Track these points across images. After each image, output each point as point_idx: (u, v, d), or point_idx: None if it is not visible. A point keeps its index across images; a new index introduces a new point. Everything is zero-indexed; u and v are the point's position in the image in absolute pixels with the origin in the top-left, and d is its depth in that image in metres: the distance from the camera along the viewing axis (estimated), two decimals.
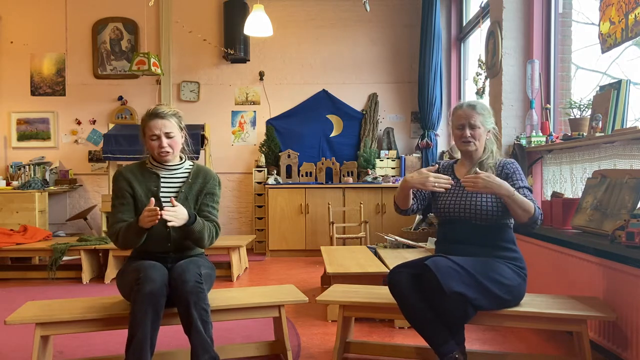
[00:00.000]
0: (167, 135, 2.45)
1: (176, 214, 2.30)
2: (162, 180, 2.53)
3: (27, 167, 6.49)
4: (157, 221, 2.27)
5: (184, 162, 2.60)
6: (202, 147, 5.88)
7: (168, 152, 2.47)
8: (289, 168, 6.55)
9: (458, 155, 2.70)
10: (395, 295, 2.38)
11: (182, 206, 2.36)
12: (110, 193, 5.93)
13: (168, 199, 2.42)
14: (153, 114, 2.45)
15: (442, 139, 6.49)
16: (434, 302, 2.25)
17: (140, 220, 2.31)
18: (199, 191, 2.54)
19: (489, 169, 2.46)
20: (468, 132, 2.47)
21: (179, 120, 2.51)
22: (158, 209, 2.26)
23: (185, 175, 2.58)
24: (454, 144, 2.61)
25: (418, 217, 5.46)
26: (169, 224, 2.28)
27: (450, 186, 2.36)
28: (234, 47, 6.50)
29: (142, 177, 2.52)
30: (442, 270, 2.18)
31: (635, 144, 2.68)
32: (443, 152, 6.42)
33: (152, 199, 2.35)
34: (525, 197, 2.34)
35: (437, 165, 2.52)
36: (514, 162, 2.52)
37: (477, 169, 2.35)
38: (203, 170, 2.61)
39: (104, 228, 5.88)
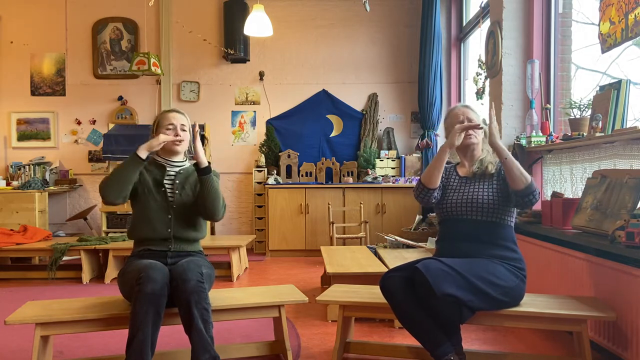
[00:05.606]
0: (181, 128, 2.66)
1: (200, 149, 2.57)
2: (167, 172, 2.66)
3: (27, 167, 6.49)
4: (183, 141, 2.64)
5: (185, 161, 2.74)
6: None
7: (181, 140, 2.65)
8: (289, 168, 6.55)
9: (456, 158, 2.70)
10: (388, 300, 2.38)
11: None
12: None
13: (171, 188, 2.61)
14: (171, 110, 2.74)
15: (442, 139, 6.48)
16: (427, 305, 2.26)
17: (153, 141, 2.56)
18: (196, 182, 2.64)
19: (489, 164, 2.53)
20: None
21: (188, 122, 2.75)
22: (197, 127, 2.60)
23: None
24: None
25: (418, 217, 5.46)
26: (197, 150, 2.57)
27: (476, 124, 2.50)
28: (234, 47, 6.50)
29: (151, 166, 2.67)
30: (433, 272, 2.18)
31: (635, 144, 2.68)
32: None
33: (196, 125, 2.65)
34: None
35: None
36: None
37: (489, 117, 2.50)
38: None
39: (104, 228, 5.88)
